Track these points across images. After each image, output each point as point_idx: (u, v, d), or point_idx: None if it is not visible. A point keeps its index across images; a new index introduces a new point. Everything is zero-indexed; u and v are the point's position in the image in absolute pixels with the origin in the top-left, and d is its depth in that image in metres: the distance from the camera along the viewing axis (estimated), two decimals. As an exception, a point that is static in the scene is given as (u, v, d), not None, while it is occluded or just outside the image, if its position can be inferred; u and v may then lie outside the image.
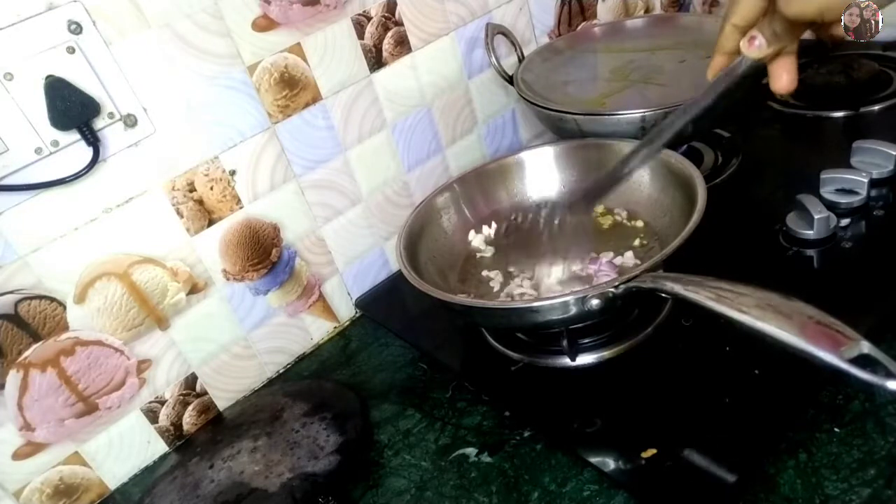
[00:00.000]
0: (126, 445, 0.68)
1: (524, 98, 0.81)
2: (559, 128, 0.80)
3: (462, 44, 0.84)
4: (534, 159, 0.78)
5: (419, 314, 0.76)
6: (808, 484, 0.48)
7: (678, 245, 0.55)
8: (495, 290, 0.69)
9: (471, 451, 0.59)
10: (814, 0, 0.42)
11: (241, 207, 0.70)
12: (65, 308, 0.61)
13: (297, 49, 0.69)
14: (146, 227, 0.64)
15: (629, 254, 0.67)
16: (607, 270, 0.65)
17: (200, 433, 0.72)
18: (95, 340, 0.63)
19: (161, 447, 0.71)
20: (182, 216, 0.66)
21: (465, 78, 0.86)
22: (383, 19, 0.75)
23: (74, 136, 0.57)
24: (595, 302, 0.54)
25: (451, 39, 0.83)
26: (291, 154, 0.72)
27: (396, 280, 0.83)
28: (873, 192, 0.70)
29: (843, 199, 0.69)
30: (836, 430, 0.51)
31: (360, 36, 0.74)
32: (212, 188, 0.67)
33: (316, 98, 0.72)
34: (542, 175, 0.78)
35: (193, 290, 0.69)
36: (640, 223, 0.71)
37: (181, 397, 0.71)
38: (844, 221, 0.68)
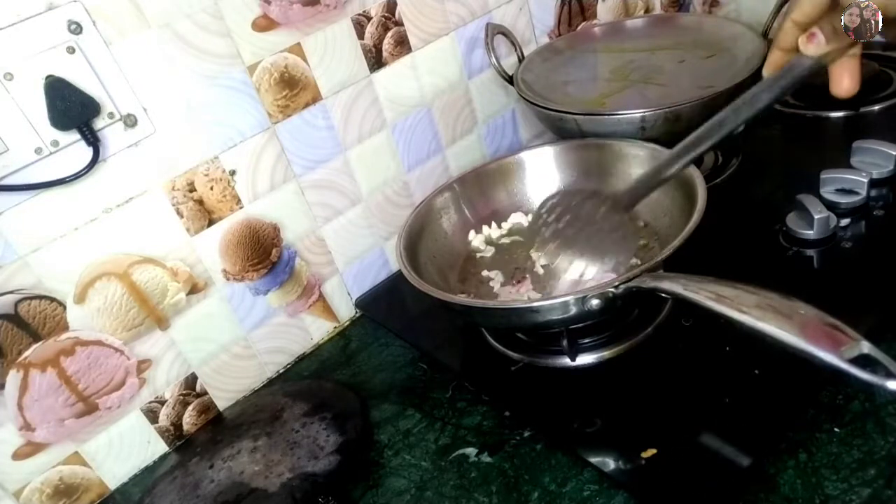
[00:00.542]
0: (126, 445, 0.68)
1: (524, 98, 0.81)
2: (559, 128, 0.80)
3: (462, 44, 0.84)
4: (534, 159, 0.78)
5: (419, 314, 0.76)
6: (808, 484, 0.48)
7: (678, 245, 0.55)
8: (495, 289, 0.69)
9: (471, 451, 0.59)
10: None
11: (241, 207, 0.70)
12: (65, 308, 0.61)
13: (297, 49, 0.69)
14: (146, 227, 0.64)
15: None
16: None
17: (200, 433, 0.72)
18: (95, 340, 0.63)
19: (161, 447, 0.71)
20: (182, 216, 0.66)
21: (465, 78, 0.86)
22: (383, 19, 0.75)
23: (74, 136, 0.57)
24: (595, 302, 0.54)
25: (451, 39, 0.83)
26: (291, 154, 0.72)
27: (396, 280, 0.83)
28: (873, 192, 0.70)
29: (843, 199, 0.69)
30: (836, 430, 0.51)
31: (360, 36, 0.74)
32: (212, 188, 0.67)
33: (316, 98, 0.72)
34: (542, 175, 0.78)
35: (193, 290, 0.69)
36: (640, 223, 0.71)
37: (181, 397, 0.71)
38: (844, 221, 0.68)
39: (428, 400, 0.66)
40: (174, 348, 0.69)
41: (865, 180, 0.69)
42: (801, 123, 0.88)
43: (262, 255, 0.72)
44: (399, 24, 0.77)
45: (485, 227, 0.77)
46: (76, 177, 0.58)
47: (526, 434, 0.59)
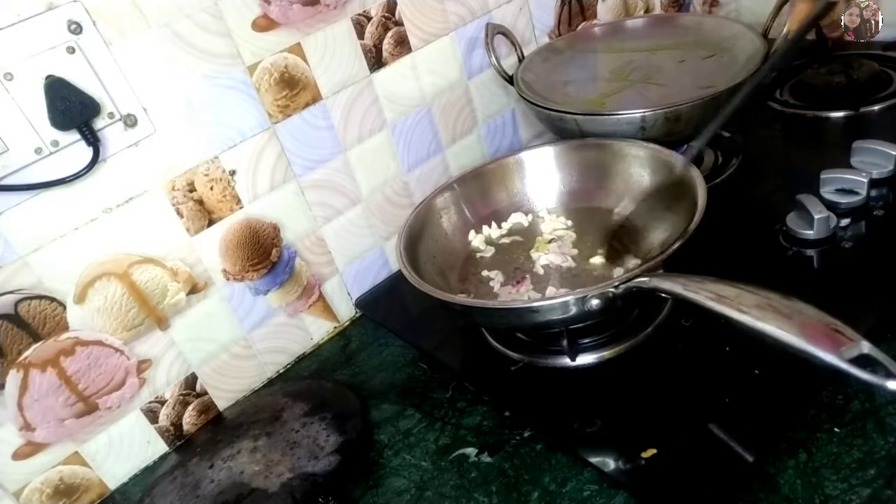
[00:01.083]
0: (126, 445, 0.68)
1: (524, 98, 0.81)
2: (559, 128, 0.80)
3: (462, 44, 0.84)
4: (534, 159, 0.78)
5: (419, 314, 0.76)
6: (808, 484, 0.48)
7: (678, 245, 0.55)
8: (495, 289, 0.69)
9: (471, 451, 0.59)
10: None
11: (241, 207, 0.70)
12: (65, 308, 0.61)
13: (297, 49, 0.69)
14: (146, 227, 0.64)
15: (629, 254, 0.67)
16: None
17: (200, 433, 0.72)
18: (95, 340, 0.63)
19: (161, 447, 0.71)
20: (182, 216, 0.66)
21: (465, 78, 0.86)
22: (383, 19, 0.75)
23: (74, 136, 0.57)
24: (595, 302, 0.54)
25: (451, 39, 0.83)
26: (291, 154, 0.72)
27: (396, 280, 0.83)
28: (873, 192, 0.70)
29: (843, 199, 0.69)
30: (836, 430, 0.51)
31: (360, 36, 0.74)
32: (212, 188, 0.67)
33: (316, 98, 0.72)
34: (542, 175, 0.78)
35: (193, 290, 0.69)
36: (639, 224, 0.71)
37: (181, 397, 0.71)
38: (844, 221, 0.68)
39: (428, 400, 0.66)
40: (174, 348, 0.69)
41: (865, 180, 0.69)
42: (801, 123, 0.88)
43: (262, 255, 0.72)
44: (399, 24, 0.77)
45: (485, 227, 0.77)
46: (76, 177, 0.58)
47: (526, 434, 0.59)
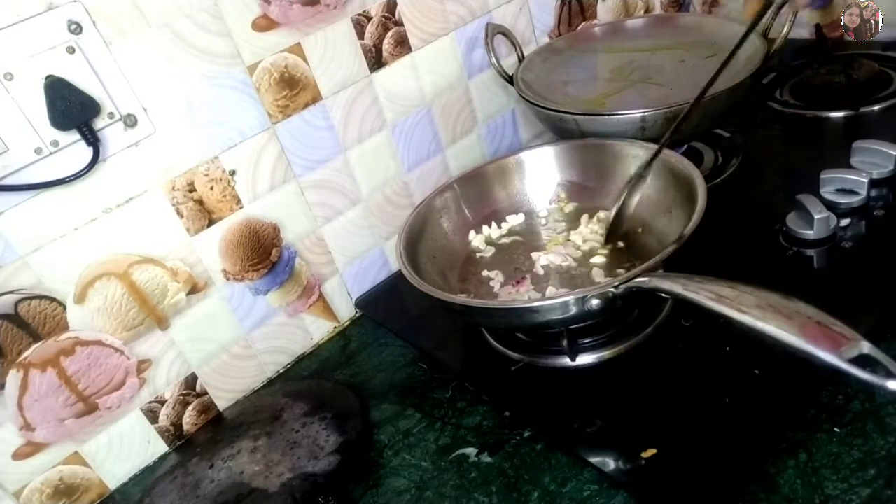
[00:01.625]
0: (126, 445, 0.68)
1: (524, 98, 0.81)
2: (559, 128, 0.80)
3: (462, 44, 0.84)
4: (534, 159, 0.78)
5: (419, 314, 0.76)
6: (808, 484, 0.48)
7: (678, 245, 0.55)
8: (495, 289, 0.69)
9: (471, 451, 0.59)
10: None
11: (241, 207, 0.70)
12: (65, 308, 0.61)
13: (297, 49, 0.69)
14: (146, 227, 0.64)
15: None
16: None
17: (200, 433, 0.72)
18: (95, 340, 0.63)
19: (161, 447, 0.71)
20: (182, 216, 0.66)
21: (465, 78, 0.86)
22: (383, 19, 0.75)
23: (74, 136, 0.57)
24: (595, 302, 0.54)
25: (451, 39, 0.83)
26: (291, 154, 0.72)
27: (396, 280, 0.83)
28: (873, 192, 0.70)
29: (843, 199, 0.69)
30: (836, 430, 0.51)
31: (360, 36, 0.74)
32: (212, 188, 0.67)
33: (316, 98, 0.72)
34: (542, 175, 0.78)
35: (193, 290, 0.69)
36: (638, 228, 0.71)
37: (181, 397, 0.71)
38: (844, 221, 0.68)
39: (428, 400, 0.66)
40: (174, 348, 0.69)
41: (865, 180, 0.69)
42: (801, 123, 0.88)
43: (262, 255, 0.72)
44: (399, 24, 0.77)
45: (485, 227, 0.77)
46: (76, 177, 0.58)
47: (526, 434, 0.59)
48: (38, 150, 0.56)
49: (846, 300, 0.55)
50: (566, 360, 0.62)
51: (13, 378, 0.60)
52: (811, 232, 0.66)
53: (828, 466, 0.49)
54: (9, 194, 0.56)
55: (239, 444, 0.66)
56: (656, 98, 0.76)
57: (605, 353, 0.62)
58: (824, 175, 0.71)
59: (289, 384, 0.75)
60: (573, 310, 0.55)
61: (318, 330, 0.80)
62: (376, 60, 0.76)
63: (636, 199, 0.70)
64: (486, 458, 0.58)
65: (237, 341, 0.73)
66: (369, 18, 0.74)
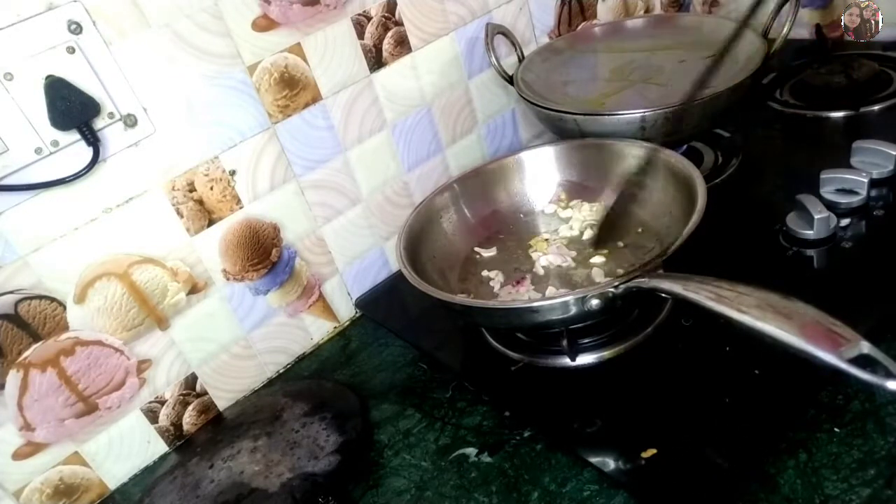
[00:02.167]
0: (126, 445, 0.68)
1: (524, 98, 0.81)
2: (559, 128, 0.80)
3: (462, 44, 0.84)
4: (534, 159, 0.78)
5: (419, 314, 0.76)
6: (808, 484, 0.48)
7: (678, 245, 0.55)
8: (495, 289, 0.69)
9: (471, 451, 0.59)
10: None
11: (241, 207, 0.70)
12: (65, 308, 0.61)
13: (297, 49, 0.69)
14: (146, 227, 0.64)
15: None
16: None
17: (200, 433, 0.72)
18: (95, 340, 0.63)
19: (161, 447, 0.71)
20: (182, 216, 0.66)
21: (465, 78, 0.86)
22: (383, 19, 0.75)
23: (74, 136, 0.57)
24: (595, 302, 0.54)
25: (451, 39, 0.83)
26: (291, 154, 0.72)
27: (396, 280, 0.83)
28: (873, 192, 0.70)
29: (843, 199, 0.69)
30: (836, 430, 0.51)
31: (360, 36, 0.74)
32: (212, 188, 0.67)
33: (316, 98, 0.72)
34: (542, 175, 0.78)
35: (193, 290, 0.69)
36: (638, 229, 0.71)
37: (181, 397, 0.71)
38: (844, 221, 0.68)
39: (428, 400, 0.66)
40: (174, 348, 0.69)
41: (865, 180, 0.69)
42: (801, 123, 0.88)
43: (262, 255, 0.72)
44: (399, 24, 0.77)
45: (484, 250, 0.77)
46: (76, 177, 0.58)
47: (526, 434, 0.59)
48: (38, 150, 0.56)
49: (846, 300, 0.55)
50: (566, 360, 0.62)
51: (13, 378, 0.60)
52: (811, 232, 0.66)
53: (828, 466, 0.49)
54: (9, 194, 0.56)
55: (239, 444, 0.66)
56: (656, 98, 0.76)
57: (605, 353, 0.62)
58: (824, 175, 0.71)
59: (289, 384, 0.75)
60: (573, 310, 0.55)
61: (318, 330, 0.80)
62: (376, 60, 0.76)
63: (632, 204, 0.70)
64: (486, 458, 0.58)
65: (237, 341, 0.73)
66: (369, 18, 0.74)
